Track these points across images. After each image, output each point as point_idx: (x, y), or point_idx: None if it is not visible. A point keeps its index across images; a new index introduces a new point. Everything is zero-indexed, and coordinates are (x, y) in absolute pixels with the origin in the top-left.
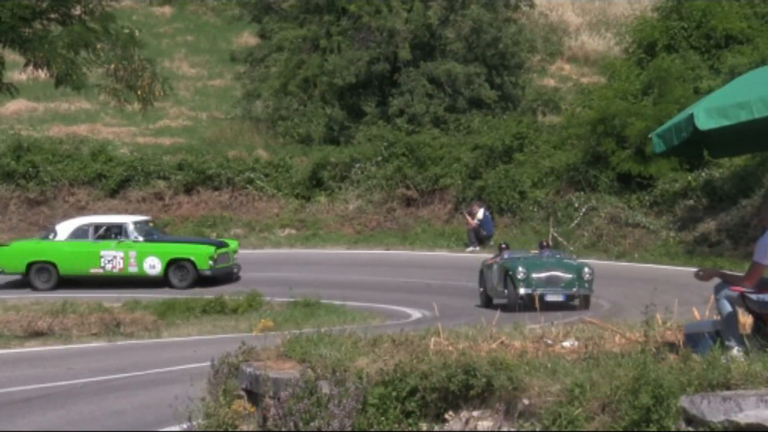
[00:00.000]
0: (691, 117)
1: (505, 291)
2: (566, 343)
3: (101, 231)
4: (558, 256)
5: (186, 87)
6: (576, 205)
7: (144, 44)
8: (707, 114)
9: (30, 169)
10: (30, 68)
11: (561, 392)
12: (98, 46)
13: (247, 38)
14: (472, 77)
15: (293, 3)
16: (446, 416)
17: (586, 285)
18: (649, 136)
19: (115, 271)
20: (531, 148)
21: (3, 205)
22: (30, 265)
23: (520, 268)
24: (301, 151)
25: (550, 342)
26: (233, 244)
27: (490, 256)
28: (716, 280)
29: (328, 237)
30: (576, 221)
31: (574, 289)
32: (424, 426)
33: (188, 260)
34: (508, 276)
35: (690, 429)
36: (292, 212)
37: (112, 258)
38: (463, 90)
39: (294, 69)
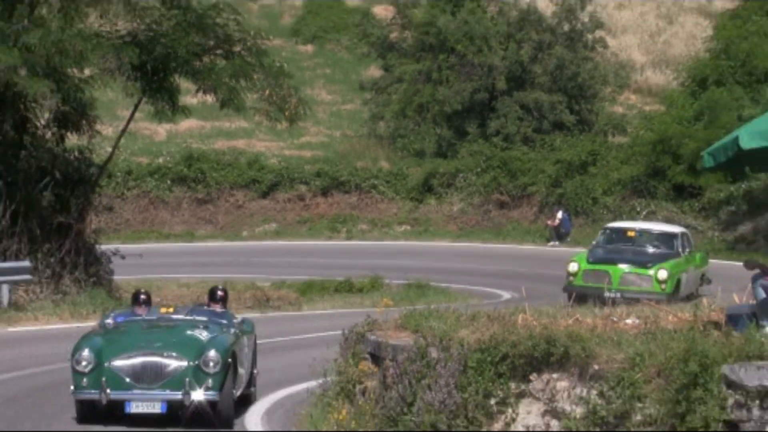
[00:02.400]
0: (736, 138)
1: None
2: (629, 321)
3: None
4: (204, 317)
5: (323, 110)
6: (638, 209)
7: (291, 75)
8: (750, 136)
9: (199, 174)
10: (200, 93)
11: (624, 360)
12: (254, 76)
13: (373, 71)
14: (555, 104)
15: (411, 43)
16: (531, 377)
17: (210, 382)
18: (701, 154)
19: None
20: (602, 163)
21: (177, 204)
22: None
23: (84, 353)
24: (415, 163)
25: (615, 319)
26: None
27: (568, 249)
28: (755, 272)
29: (436, 232)
30: None
31: (184, 393)
32: (512, 385)
33: None
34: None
35: (730, 392)
36: (407, 212)
37: None
38: (548, 115)
39: (411, 96)
